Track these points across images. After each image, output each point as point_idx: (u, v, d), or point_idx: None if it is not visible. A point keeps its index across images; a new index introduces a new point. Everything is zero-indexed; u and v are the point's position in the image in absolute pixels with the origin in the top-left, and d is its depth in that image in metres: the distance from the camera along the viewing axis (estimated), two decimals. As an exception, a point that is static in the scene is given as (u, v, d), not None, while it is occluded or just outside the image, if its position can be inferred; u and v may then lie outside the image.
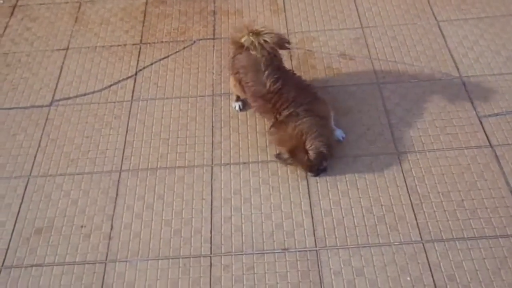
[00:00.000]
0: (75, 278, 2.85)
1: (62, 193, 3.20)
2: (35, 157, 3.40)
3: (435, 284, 2.71)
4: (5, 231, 3.06)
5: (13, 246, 2.99)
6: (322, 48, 3.90)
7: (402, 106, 3.49)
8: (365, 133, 3.36)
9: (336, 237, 2.91)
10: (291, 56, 3.85)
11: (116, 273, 2.86)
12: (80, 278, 2.84)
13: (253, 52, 3.14)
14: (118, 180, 3.24)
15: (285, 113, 3.09)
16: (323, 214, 3.01)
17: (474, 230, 2.89)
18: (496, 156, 3.19)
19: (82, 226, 3.05)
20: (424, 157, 3.22)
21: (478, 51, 3.78)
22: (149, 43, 4.06)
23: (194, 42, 4.05)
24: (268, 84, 3.11)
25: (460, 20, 4.01)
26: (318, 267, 2.81)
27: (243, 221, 3.01)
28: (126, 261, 2.90)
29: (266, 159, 3.27)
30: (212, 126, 3.49)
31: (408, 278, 2.73)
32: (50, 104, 3.70)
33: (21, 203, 3.18)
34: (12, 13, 4.42)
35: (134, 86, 3.77)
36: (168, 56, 3.95)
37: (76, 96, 3.74)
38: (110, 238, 2.99)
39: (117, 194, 3.18)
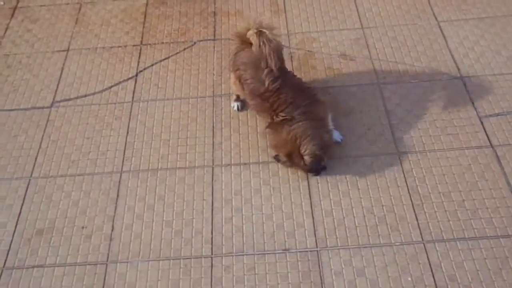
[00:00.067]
0: (76, 279, 2.85)
1: (63, 194, 3.21)
2: (36, 158, 3.40)
3: (436, 285, 2.71)
4: (6, 232, 3.06)
5: (14, 247, 2.99)
6: (323, 49, 3.90)
7: (402, 106, 3.49)
8: (365, 134, 3.36)
9: (337, 238, 2.91)
10: (291, 57, 3.85)
11: (117, 274, 2.86)
12: (81, 279, 2.84)
13: (253, 49, 3.12)
14: (119, 181, 3.24)
15: (282, 115, 3.08)
16: (324, 215, 3.01)
17: (475, 230, 2.89)
18: (497, 156, 3.19)
19: (83, 227, 3.05)
20: (425, 157, 3.22)
21: (478, 51, 3.78)
22: (150, 44, 4.07)
23: (195, 43, 4.05)
24: (267, 83, 3.10)
25: (460, 21, 4.01)
26: (319, 268, 2.81)
27: (244, 221, 3.01)
28: (127, 262, 2.90)
29: (266, 160, 3.27)
30: (213, 127, 3.49)
31: (409, 279, 2.73)
32: (51, 106, 3.70)
33: (22, 204, 3.18)
34: (12, 15, 4.43)
35: (134, 87, 3.77)
36: (168, 57, 3.96)
37: (77, 97, 3.74)
38: (111, 239, 2.99)
39: (118, 195, 3.18)
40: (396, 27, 4.01)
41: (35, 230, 3.06)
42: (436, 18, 4.05)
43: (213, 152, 3.35)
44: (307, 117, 3.08)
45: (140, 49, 4.04)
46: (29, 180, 3.29)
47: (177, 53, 3.98)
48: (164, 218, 3.06)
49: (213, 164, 3.29)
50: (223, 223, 3.01)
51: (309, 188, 3.13)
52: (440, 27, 3.98)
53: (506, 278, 2.70)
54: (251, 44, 3.15)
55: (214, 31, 4.12)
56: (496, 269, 2.74)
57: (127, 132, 3.50)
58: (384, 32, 3.98)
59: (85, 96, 3.75)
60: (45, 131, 3.54)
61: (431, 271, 2.75)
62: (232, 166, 3.27)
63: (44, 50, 4.10)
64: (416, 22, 4.04)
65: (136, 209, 3.11)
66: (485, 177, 3.10)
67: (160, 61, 3.94)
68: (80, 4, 4.47)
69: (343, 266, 2.80)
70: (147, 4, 4.40)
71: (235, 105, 3.54)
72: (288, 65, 3.67)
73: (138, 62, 3.94)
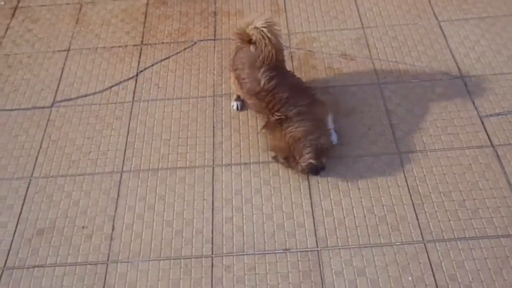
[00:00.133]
0: (76, 279, 2.85)
1: (64, 194, 3.21)
2: (36, 158, 3.40)
3: (436, 284, 2.71)
4: (7, 232, 3.06)
5: (15, 247, 3.00)
6: (323, 49, 3.90)
7: (403, 106, 3.49)
8: (366, 133, 3.36)
9: (337, 237, 2.91)
10: (292, 56, 3.85)
11: (118, 273, 2.86)
12: (82, 279, 2.85)
13: (252, 48, 3.11)
14: (120, 181, 3.24)
15: (277, 115, 3.06)
16: (324, 214, 3.01)
17: (476, 230, 2.89)
18: (498, 156, 3.19)
19: (83, 227, 3.05)
20: (426, 157, 3.21)
21: (479, 51, 3.78)
22: (150, 44, 4.07)
23: (195, 43, 4.05)
24: (262, 82, 3.09)
25: (461, 20, 4.01)
26: (320, 268, 2.81)
27: (244, 221, 3.01)
28: (128, 262, 2.90)
29: (267, 160, 3.27)
30: (213, 126, 3.49)
31: (410, 278, 2.73)
32: (52, 105, 3.71)
33: (22, 204, 3.18)
34: (13, 15, 4.43)
35: (135, 87, 3.77)
36: (169, 57, 3.96)
37: (77, 97, 3.74)
38: (111, 239, 2.99)
39: (118, 195, 3.18)
40: (397, 27, 4.01)
41: (36, 230, 3.06)
42: (436, 18, 4.05)
43: (213, 152, 3.35)
44: (304, 118, 3.06)
45: (141, 49, 4.04)
46: (30, 180, 3.30)
47: (177, 53, 3.98)
48: (165, 218, 3.06)
49: (213, 164, 3.29)
50: (224, 223, 3.01)
51: (309, 188, 3.13)
52: (440, 26, 3.98)
53: (507, 278, 2.70)
54: (250, 42, 3.14)
55: (215, 31, 4.12)
56: (496, 268, 2.74)
57: (128, 132, 3.50)
58: (385, 31, 3.98)
59: (86, 96, 3.75)
60: (45, 131, 3.55)
61: (432, 270, 2.75)
62: (233, 166, 3.27)
63: (44, 50, 4.11)
64: (417, 22, 4.03)
65: (137, 209, 3.11)
66: (485, 177, 3.10)
67: (161, 61, 3.94)
68: (81, 4, 4.47)
69: (343, 266, 2.80)
70: (147, 4, 4.40)
71: (234, 104, 3.54)
72: (289, 65, 3.68)
73: (139, 62, 3.94)
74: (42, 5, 4.49)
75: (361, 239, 2.89)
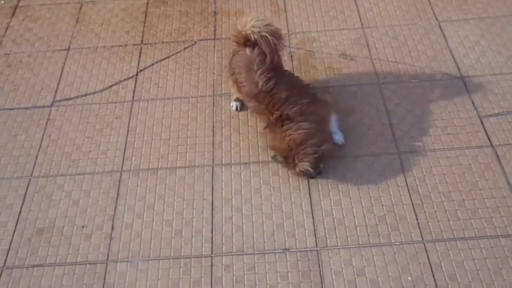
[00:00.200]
0: (76, 278, 2.85)
1: (63, 193, 3.21)
2: (36, 157, 3.40)
3: (436, 284, 2.71)
4: (6, 232, 3.06)
5: (15, 247, 3.00)
6: (323, 49, 3.90)
7: (403, 106, 3.49)
8: (366, 133, 3.36)
9: (337, 237, 2.91)
10: (291, 56, 3.85)
11: (117, 273, 2.86)
12: (81, 279, 2.85)
13: (247, 51, 3.11)
14: (119, 181, 3.24)
15: (277, 114, 3.05)
16: (324, 214, 3.01)
17: (475, 229, 2.89)
18: (497, 156, 3.19)
19: (83, 227, 3.05)
20: (425, 157, 3.21)
21: (479, 51, 3.78)
22: (150, 44, 4.07)
23: (195, 42, 4.05)
24: (260, 84, 3.09)
25: (461, 20, 4.01)
26: (319, 267, 2.81)
27: (244, 221, 3.01)
28: (127, 261, 2.90)
29: (266, 159, 3.27)
30: (213, 126, 3.49)
31: (409, 278, 2.73)
32: (51, 105, 3.71)
33: (22, 204, 3.18)
34: (13, 14, 4.43)
35: (135, 87, 3.77)
36: (169, 57, 3.96)
37: (77, 97, 3.74)
38: (111, 238, 2.99)
39: (118, 195, 3.18)
40: (397, 27, 4.01)
41: (35, 230, 3.06)
42: (436, 18, 4.05)
43: (213, 151, 3.35)
44: (306, 119, 3.04)
45: (141, 48, 4.04)
46: (30, 179, 3.30)
47: (177, 52, 3.98)
48: (164, 218, 3.06)
49: (213, 164, 3.29)
50: (223, 223, 3.01)
51: (309, 188, 3.13)
52: (440, 27, 3.98)
53: (506, 278, 2.70)
54: (245, 44, 3.13)
55: (215, 30, 4.13)
56: (496, 268, 2.74)
57: (127, 132, 3.50)
58: (385, 32, 3.98)
59: (86, 95, 3.75)
60: (45, 130, 3.55)
61: (431, 270, 2.75)
62: (232, 166, 3.27)
63: (44, 49, 4.11)
64: (417, 22, 4.04)
65: (136, 209, 3.11)
66: (485, 177, 3.10)
67: (161, 60, 3.94)
68: (81, 3, 4.47)
69: (343, 265, 2.80)
70: (147, 4, 4.40)
71: (234, 104, 3.54)
72: (288, 65, 3.68)
73: (139, 61, 3.94)
74: (42, 4, 4.49)
75: (361, 239, 2.89)
